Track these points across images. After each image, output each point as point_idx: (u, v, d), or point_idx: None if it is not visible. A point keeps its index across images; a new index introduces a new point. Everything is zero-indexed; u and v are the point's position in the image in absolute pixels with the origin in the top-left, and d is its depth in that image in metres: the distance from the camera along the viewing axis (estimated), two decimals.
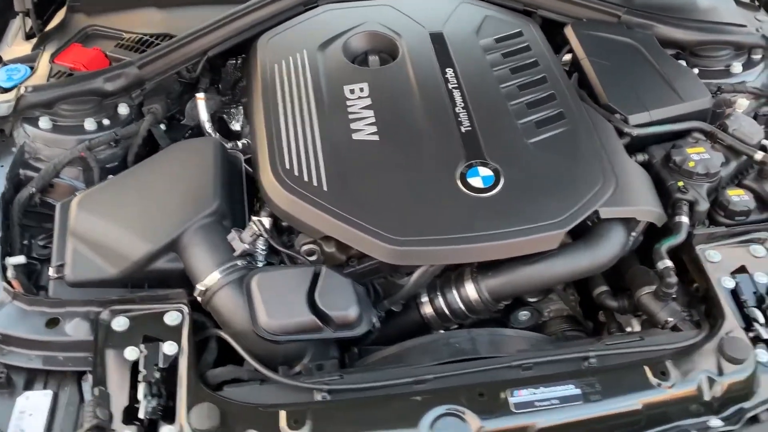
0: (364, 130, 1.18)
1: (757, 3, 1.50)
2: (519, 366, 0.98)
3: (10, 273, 1.09)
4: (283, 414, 0.91)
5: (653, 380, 0.95)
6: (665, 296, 1.09)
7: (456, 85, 1.25)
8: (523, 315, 1.22)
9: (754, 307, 1.04)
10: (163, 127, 1.37)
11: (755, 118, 1.33)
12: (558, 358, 0.99)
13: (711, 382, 0.96)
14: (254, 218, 1.10)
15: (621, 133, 1.24)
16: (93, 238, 1.09)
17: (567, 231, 1.05)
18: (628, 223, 1.11)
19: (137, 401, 0.93)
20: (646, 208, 1.11)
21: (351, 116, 1.20)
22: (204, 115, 1.36)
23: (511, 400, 0.93)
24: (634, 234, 1.14)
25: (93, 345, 0.99)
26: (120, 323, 1.02)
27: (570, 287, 1.25)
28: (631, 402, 0.94)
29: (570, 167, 1.13)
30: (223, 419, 0.90)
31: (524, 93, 1.25)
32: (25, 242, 1.20)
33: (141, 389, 0.93)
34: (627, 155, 1.19)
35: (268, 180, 1.12)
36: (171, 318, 1.02)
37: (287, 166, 1.12)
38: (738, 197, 1.17)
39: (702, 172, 1.18)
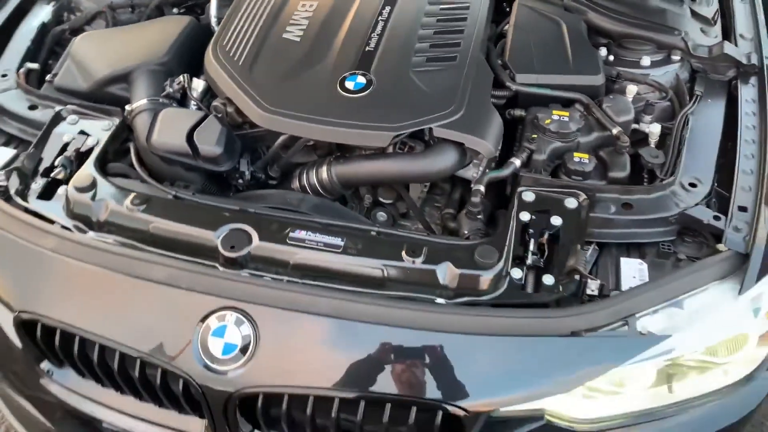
0: (293, 32, 1.48)
1: (713, 20, 1.57)
2: (317, 222, 1.22)
3: (22, 71, 1.54)
4: (132, 194, 1.24)
5: (405, 255, 1.15)
6: (470, 214, 1.28)
7: (384, 19, 1.50)
8: (381, 215, 1.44)
9: (533, 237, 1.20)
10: (175, 10, 1.75)
11: (647, 105, 1.44)
12: (353, 225, 1.22)
13: (451, 271, 1.13)
14: (186, 75, 1.45)
15: (503, 86, 1.43)
16: (79, 60, 1.50)
17: (395, 135, 1.27)
18: (461, 147, 1.30)
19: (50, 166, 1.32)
20: (477, 139, 1.29)
21: (291, 21, 1.50)
22: (213, 11, 1.72)
23: (290, 234, 1.18)
24: (476, 162, 1.33)
25: (46, 127, 1.40)
26: (72, 119, 1.41)
27: (436, 200, 1.45)
28: (377, 264, 1.14)
29: (430, 94, 1.34)
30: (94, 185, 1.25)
31: (435, 37, 1.46)
32: (50, 62, 1.65)
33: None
34: (490, 102, 1.37)
35: (208, 50, 1.46)
36: (104, 125, 1.40)
37: (224, 43, 1.45)
38: (579, 159, 1.31)
39: (554, 130, 1.34)
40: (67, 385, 1.23)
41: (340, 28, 1.49)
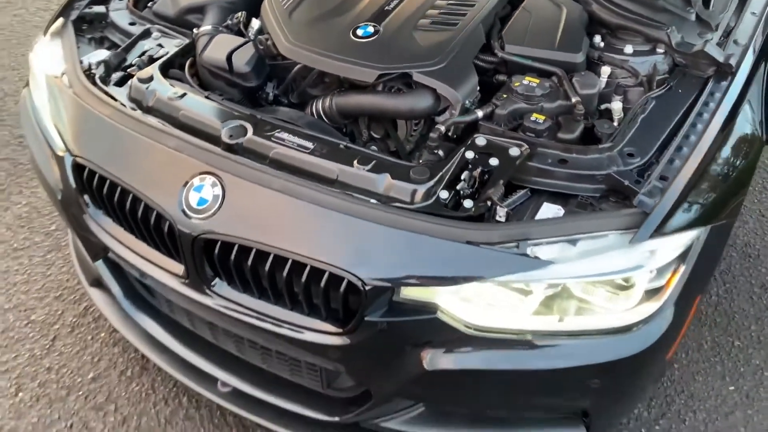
0: None
1: (716, 26, 1.66)
2: (301, 131, 1.51)
3: None
4: (174, 89, 1.60)
5: (356, 163, 1.40)
6: (428, 148, 1.50)
7: None
8: (373, 149, 1.69)
9: (470, 171, 1.40)
10: None
11: (617, 86, 1.59)
12: (327, 138, 1.49)
13: (388, 181, 1.37)
14: (245, 13, 1.81)
15: (492, 53, 1.64)
16: None
17: (380, 74, 1.53)
18: (435, 93, 1.53)
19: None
20: (447, 87, 1.52)
21: None
22: None
23: (275, 134, 1.48)
24: (453, 111, 1.54)
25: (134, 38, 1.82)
26: (155, 35, 1.82)
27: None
28: (332, 166, 1.41)
29: (422, 48, 1.59)
30: (151, 79, 1.63)
31: (447, 7, 1.70)
32: None
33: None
34: (471, 62, 1.59)
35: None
36: (176, 43, 1.79)
37: None
38: (535, 119, 1.49)
39: (520, 92, 1.53)
40: (97, 220, 1.62)
41: None
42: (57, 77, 1.73)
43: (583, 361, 1.34)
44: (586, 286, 1.33)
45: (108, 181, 1.54)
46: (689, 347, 2.09)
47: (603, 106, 1.58)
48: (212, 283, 1.47)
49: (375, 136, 1.70)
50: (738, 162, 1.48)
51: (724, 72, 1.54)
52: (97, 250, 1.75)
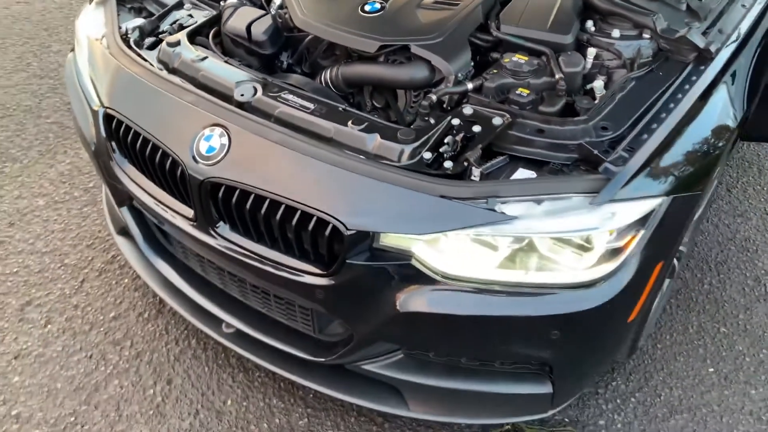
0: None
1: (704, 17, 1.74)
2: (306, 94, 1.66)
3: None
4: (196, 53, 1.77)
5: (350, 124, 1.54)
6: (419, 114, 1.63)
7: None
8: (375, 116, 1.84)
9: (454, 136, 1.52)
10: None
11: (602, 67, 1.70)
12: (329, 101, 1.64)
13: (377, 141, 1.50)
14: None
15: (488, 31, 1.76)
16: None
17: (380, 45, 1.68)
18: (430, 65, 1.66)
19: None
20: (441, 60, 1.65)
21: None
22: None
23: (281, 95, 1.63)
24: (448, 85, 1.67)
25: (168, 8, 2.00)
26: (187, 6, 2.01)
27: None
28: (329, 125, 1.55)
29: (422, 24, 1.73)
30: (178, 44, 1.81)
31: None
32: None
33: None
34: (466, 39, 1.72)
35: None
36: (206, 14, 1.97)
37: None
38: (520, 92, 1.61)
39: (509, 68, 1.65)
40: (123, 168, 1.81)
41: None
42: (97, 40, 1.93)
43: (543, 312, 1.45)
44: (551, 246, 1.45)
45: (132, 131, 1.72)
46: (675, 329, 2.17)
47: (588, 86, 1.68)
48: (217, 225, 1.64)
49: (377, 105, 1.85)
50: (705, 142, 1.57)
51: (704, 58, 1.63)
52: (123, 197, 1.94)
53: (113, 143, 1.81)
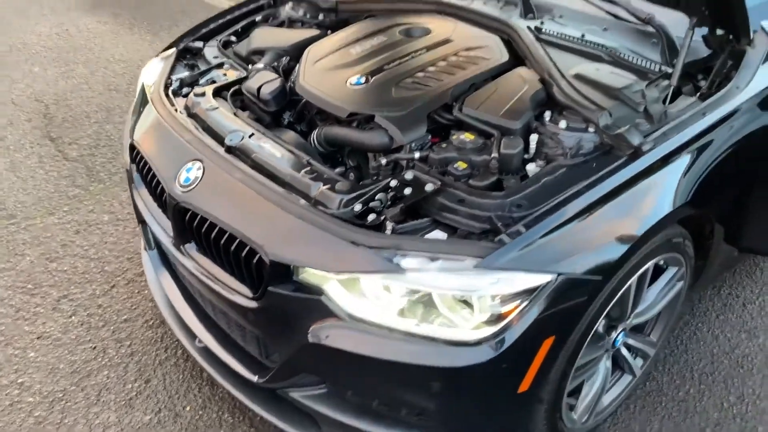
0: (357, 50, 2.23)
1: (657, 120, 1.81)
2: (283, 145, 1.93)
3: (224, 39, 2.57)
4: (210, 104, 2.12)
5: (303, 172, 1.78)
6: (369, 174, 1.84)
7: (414, 56, 2.15)
8: (350, 175, 2.06)
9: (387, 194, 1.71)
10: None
11: (541, 152, 1.82)
12: (299, 152, 1.89)
13: (319, 189, 1.72)
14: (288, 58, 2.31)
15: (450, 110, 1.95)
16: (250, 39, 2.49)
17: (350, 112, 1.93)
18: (387, 133, 1.88)
19: None
20: (396, 129, 1.86)
21: (362, 44, 2.26)
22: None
23: (262, 144, 1.91)
24: (404, 152, 1.87)
25: (209, 67, 2.39)
26: (226, 67, 2.39)
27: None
28: (287, 171, 1.80)
29: (393, 99, 1.96)
30: (203, 95, 2.17)
31: (433, 73, 2.06)
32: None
33: None
34: (425, 116, 1.91)
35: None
36: (238, 74, 2.34)
37: (316, 45, 2.27)
38: (457, 166, 1.76)
39: (455, 144, 1.82)
40: (139, 191, 2.16)
41: (386, 53, 2.19)
42: (148, 86, 2.35)
43: (425, 362, 1.57)
44: (444, 301, 1.58)
45: (143, 159, 2.08)
46: (630, 429, 2.12)
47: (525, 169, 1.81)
48: (186, 244, 1.92)
49: (351, 164, 2.08)
50: (612, 232, 1.64)
51: (636, 154, 1.71)
52: (141, 216, 2.29)
53: (134, 170, 2.19)
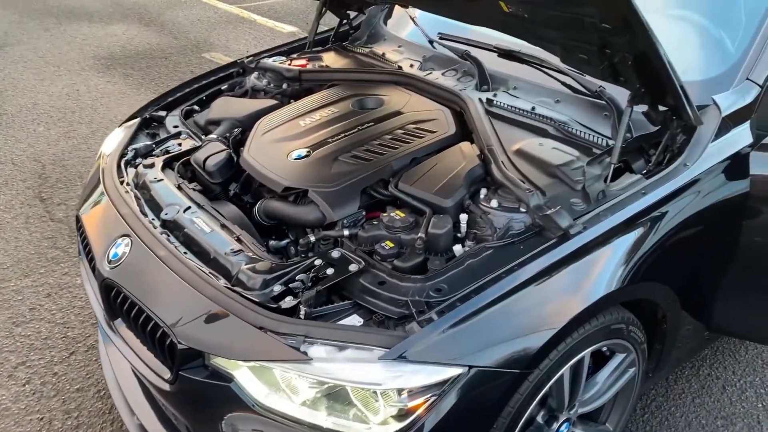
0: (306, 122, 2.22)
1: (596, 199, 1.73)
2: (218, 220, 1.90)
3: (186, 108, 2.59)
4: (156, 176, 2.11)
5: (228, 251, 1.74)
6: (297, 251, 1.79)
7: (361, 128, 2.13)
8: (292, 249, 2.02)
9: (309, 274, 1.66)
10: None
11: (469, 233, 1.73)
12: (233, 228, 1.86)
13: (240, 269, 1.68)
14: (240, 129, 2.31)
15: (386, 187, 1.90)
16: (210, 109, 2.50)
17: (285, 186, 1.90)
18: (319, 209, 1.84)
19: None
20: (327, 207, 1.83)
21: (312, 116, 2.25)
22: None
23: (194, 217, 1.89)
24: (335, 228, 1.83)
25: (167, 137, 2.41)
26: (183, 136, 2.40)
27: None
28: (213, 248, 1.76)
29: (329, 174, 1.93)
30: (152, 166, 2.17)
31: (376, 147, 2.03)
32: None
33: None
34: (359, 192, 1.87)
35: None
36: (193, 143, 2.34)
37: (268, 118, 2.27)
38: (384, 245, 1.71)
39: (385, 222, 1.78)
40: (84, 264, 2.14)
41: (334, 125, 2.18)
42: (105, 156, 2.37)
43: None
44: (354, 393, 1.49)
45: (84, 232, 2.07)
46: None
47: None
48: (115, 320, 1.89)
49: (291, 237, 2.04)
50: (534, 318, 1.54)
51: (565, 237, 1.63)
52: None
53: (81, 243, 2.19)
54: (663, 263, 1.80)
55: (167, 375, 1.69)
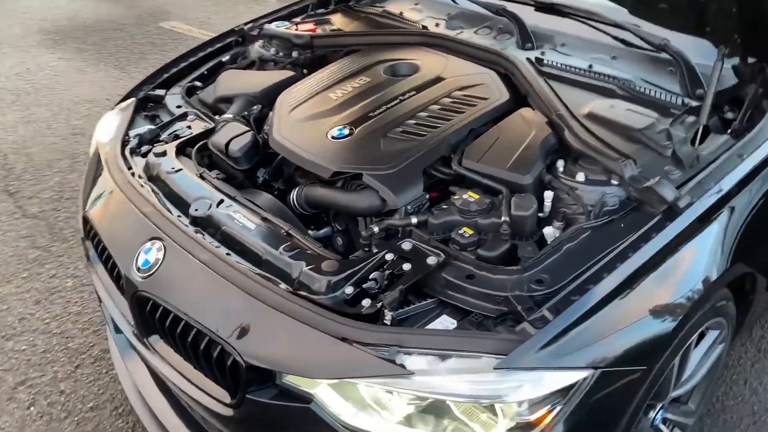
0: (337, 93, 1.97)
1: (690, 165, 1.57)
2: (258, 213, 1.66)
3: (188, 84, 2.29)
4: (174, 165, 1.84)
5: (281, 249, 1.51)
6: (360, 244, 1.58)
7: (403, 99, 1.89)
8: (338, 240, 1.80)
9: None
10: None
11: (558, 212, 1.56)
12: (276, 221, 1.62)
13: (301, 269, 1.46)
14: (259, 107, 2.05)
15: (448, 163, 1.69)
16: (216, 84, 2.22)
17: (334, 171, 1.67)
18: (378, 194, 1.62)
19: None
20: (388, 191, 1.61)
21: (343, 86, 2.00)
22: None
23: (233, 213, 1.64)
24: (399, 216, 1.61)
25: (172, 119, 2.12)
26: (190, 117, 2.12)
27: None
28: (262, 247, 1.53)
29: (382, 153, 1.70)
30: (165, 154, 1.90)
31: (426, 119, 1.79)
32: None
33: None
34: (420, 172, 1.66)
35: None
36: (204, 125, 2.06)
37: (292, 91, 2.01)
38: (462, 232, 1.50)
39: (458, 205, 1.56)
40: (95, 268, 1.87)
41: (370, 97, 1.93)
42: (103, 145, 2.07)
43: None
44: (462, 408, 1.31)
45: (97, 235, 1.80)
46: None
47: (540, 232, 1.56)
48: (150, 337, 1.64)
49: (339, 228, 1.81)
50: (654, 311, 1.38)
51: (674, 212, 1.46)
52: (98, 295, 2.01)
53: (89, 246, 1.91)
54: (756, 233, 1.66)
55: (228, 399, 1.46)
